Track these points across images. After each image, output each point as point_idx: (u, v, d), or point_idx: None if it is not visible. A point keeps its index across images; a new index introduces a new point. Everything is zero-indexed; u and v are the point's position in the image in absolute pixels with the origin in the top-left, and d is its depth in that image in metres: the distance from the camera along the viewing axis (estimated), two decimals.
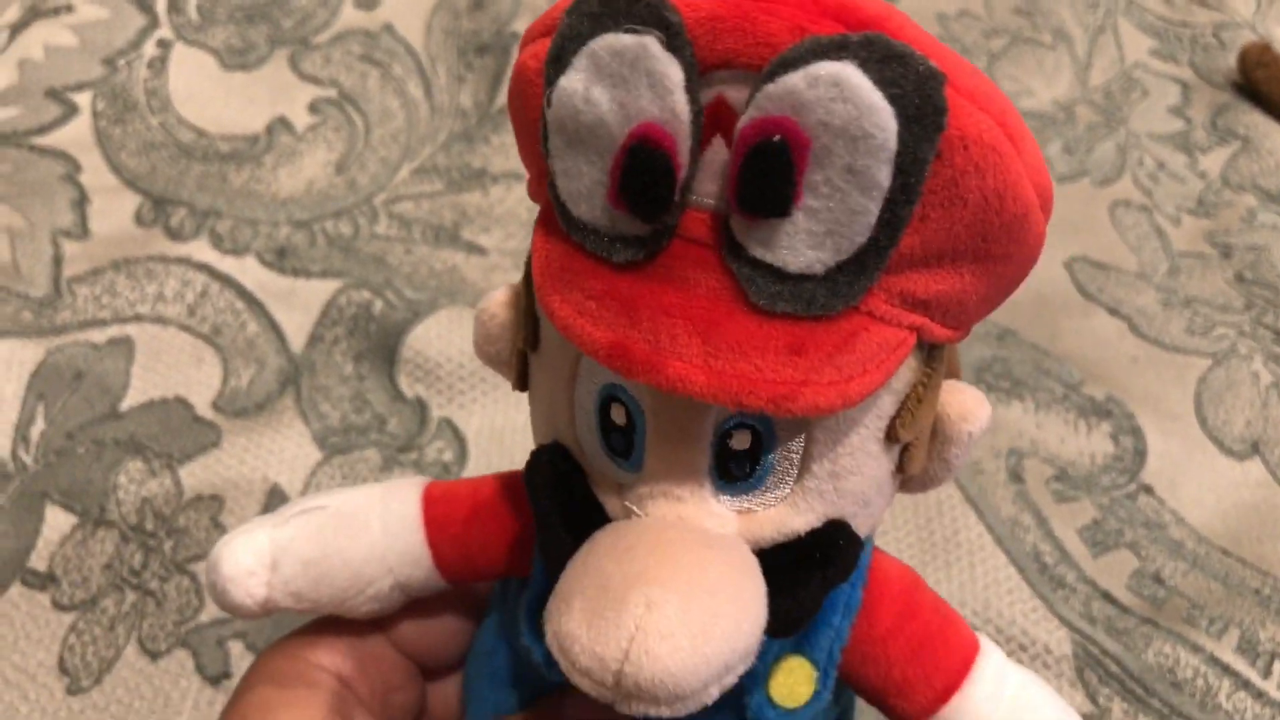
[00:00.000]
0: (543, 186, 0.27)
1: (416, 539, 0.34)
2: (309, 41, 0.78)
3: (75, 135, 0.72)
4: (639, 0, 0.24)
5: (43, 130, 0.71)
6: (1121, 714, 0.55)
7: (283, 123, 0.74)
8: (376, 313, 0.65)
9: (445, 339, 0.64)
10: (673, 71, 0.23)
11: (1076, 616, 0.57)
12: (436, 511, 0.34)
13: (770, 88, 0.23)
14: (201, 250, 0.67)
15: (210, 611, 0.54)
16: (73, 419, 0.59)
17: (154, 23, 0.77)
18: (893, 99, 0.22)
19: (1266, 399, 0.68)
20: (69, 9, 0.77)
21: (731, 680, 0.26)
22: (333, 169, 0.72)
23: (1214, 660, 0.57)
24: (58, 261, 0.66)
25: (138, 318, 0.64)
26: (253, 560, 0.33)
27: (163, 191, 0.69)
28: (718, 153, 0.24)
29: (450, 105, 0.77)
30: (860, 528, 0.29)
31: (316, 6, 0.80)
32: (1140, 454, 0.64)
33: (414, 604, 0.36)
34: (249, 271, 0.66)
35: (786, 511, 0.28)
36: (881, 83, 0.22)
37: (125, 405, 0.60)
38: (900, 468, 0.29)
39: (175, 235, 0.67)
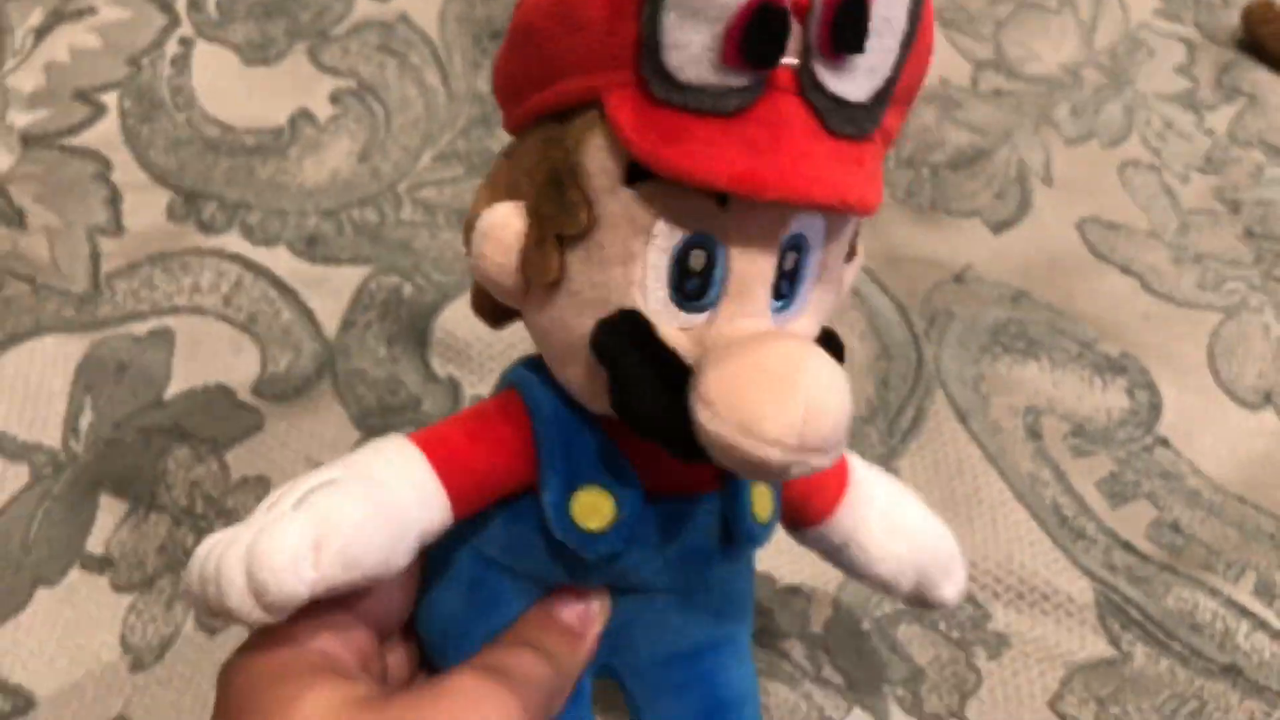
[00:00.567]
0: (579, 81, 0.32)
1: (430, 484, 0.36)
2: (327, 34, 0.80)
3: (104, 134, 0.73)
4: None
5: (73, 131, 0.73)
6: (1144, 657, 0.57)
7: (305, 114, 0.76)
8: (406, 296, 0.67)
9: (474, 319, 0.65)
10: None
11: (1097, 566, 0.59)
12: (438, 452, 0.36)
13: None
14: (234, 242, 0.69)
15: None
16: (119, 409, 0.61)
17: (175, 21, 0.79)
18: None
19: (1278, 350, 0.69)
20: (91, 11, 0.79)
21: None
22: (356, 158, 0.74)
23: (1232, 603, 0.58)
24: (95, 258, 0.68)
25: (176, 309, 0.66)
26: (297, 542, 0.32)
27: (192, 186, 0.71)
28: (792, 21, 0.30)
29: (467, 91, 0.78)
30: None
31: (332, 0, 0.82)
32: (1155, 408, 0.66)
33: None
34: (280, 261, 0.68)
35: (809, 322, 0.35)
36: None
37: (169, 394, 0.62)
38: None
39: (207, 228, 0.69)
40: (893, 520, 0.44)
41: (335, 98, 0.77)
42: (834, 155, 0.31)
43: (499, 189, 0.35)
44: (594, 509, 0.36)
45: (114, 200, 0.70)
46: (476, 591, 0.39)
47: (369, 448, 0.36)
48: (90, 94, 0.75)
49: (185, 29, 0.79)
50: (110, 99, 0.75)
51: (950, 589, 0.45)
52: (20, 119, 0.73)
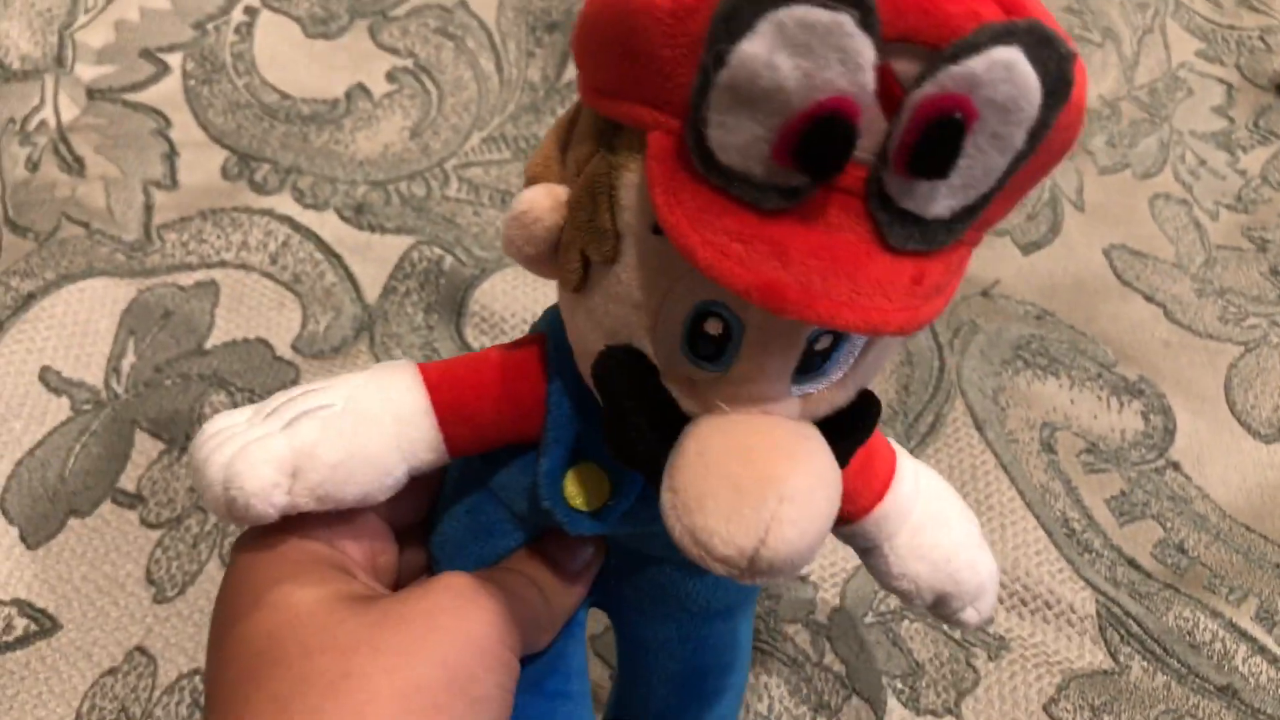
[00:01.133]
0: (634, 108, 0.29)
1: (429, 427, 0.35)
2: (387, 14, 0.82)
3: (166, 93, 0.76)
4: None
5: (136, 88, 0.76)
6: (1141, 671, 0.58)
7: (361, 89, 0.78)
8: (447, 268, 0.69)
9: (510, 295, 0.68)
10: (866, 50, 0.25)
11: (1101, 579, 0.60)
12: (443, 397, 0.36)
13: (955, 69, 0.25)
14: (284, 203, 0.71)
15: None
16: (161, 354, 0.63)
17: None
18: (1042, 78, 0.26)
19: None
20: None
21: None
22: (408, 134, 0.76)
23: (1232, 626, 0.59)
24: (149, 209, 0.70)
25: (223, 264, 0.68)
26: (273, 470, 0.33)
27: (247, 148, 0.74)
28: (873, 113, 0.26)
29: (519, 79, 0.80)
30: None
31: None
32: (1169, 432, 0.67)
33: None
34: (328, 225, 0.70)
35: (838, 392, 0.32)
36: (1035, 63, 0.25)
37: (210, 344, 0.64)
38: None
39: (259, 189, 0.71)
40: (921, 540, 0.41)
41: (391, 75, 0.79)
42: (884, 274, 0.27)
43: (556, 146, 0.34)
44: (588, 488, 0.36)
45: (171, 156, 0.73)
46: (476, 516, 0.39)
47: (378, 374, 0.36)
48: (156, 53, 0.77)
49: None
50: (175, 60, 0.77)
51: (971, 614, 0.43)
52: (87, 73, 0.75)
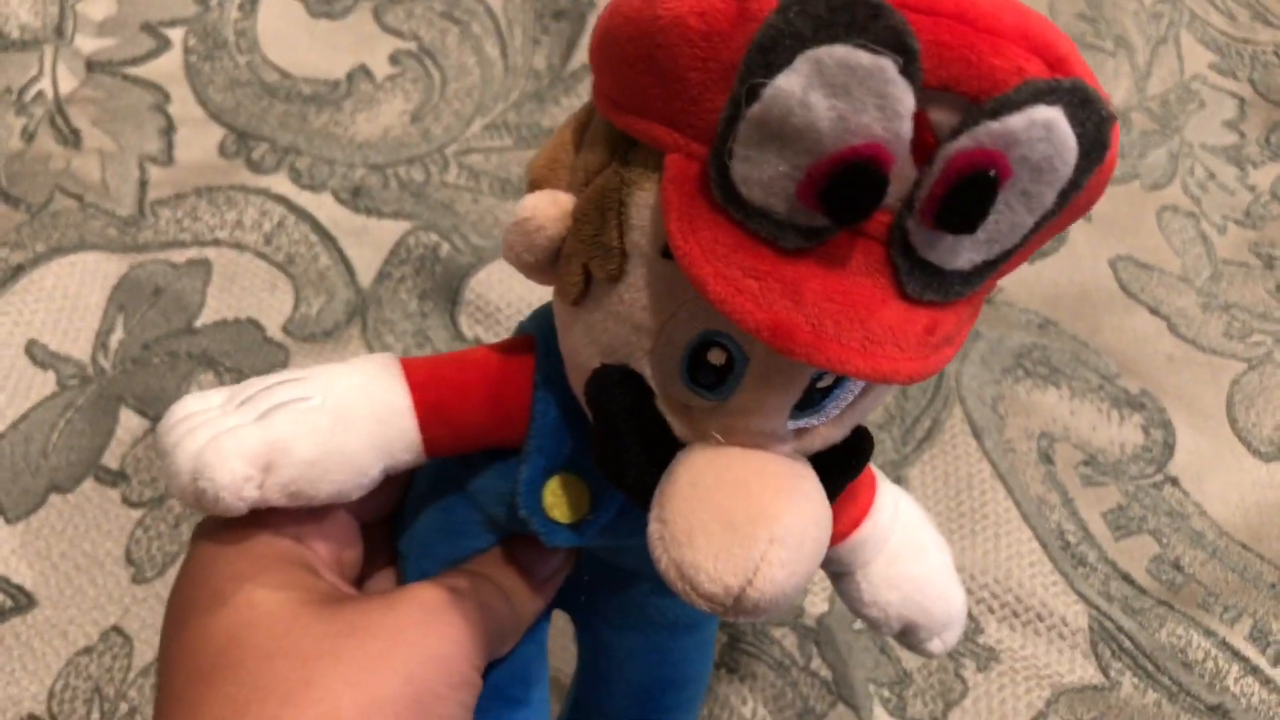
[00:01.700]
0: (653, 126, 0.28)
1: (408, 426, 0.34)
2: None
3: (167, 68, 0.75)
4: (879, 19, 0.23)
5: (136, 61, 0.75)
6: (1131, 687, 0.57)
7: (364, 70, 0.77)
8: (443, 255, 0.68)
9: (506, 285, 0.67)
10: (906, 98, 0.24)
11: (1094, 593, 0.60)
12: (425, 397, 0.35)
13: (994, 125, 0.24)
14: (281, 183, 0.70)
15: None
16: (150, 331, 0.63)
17: None
18: (1080, 139, 0.25)
19: None
20: None
21: None
22: (408, 118, 0.75)
23: (1225, 645, 0.59)
24: (143, 184, 0.69)
25: (216, 242, 0.67)
26: (245, 465, 0.32)
27: (246, 126, 0.73)
28: (906, 161, 0.25)
29: (524, 66, 0.79)
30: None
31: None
32: (1169, 447, 0.66)
33: None
34: (324, 207, 0.69)
35: (834, 428, 0.32)
36: (1075, 125, 0.25)
37: (200, 322, 0.63)
38: None
39: (256, 168, 0.70)
40: (896, 570, 0.41)
41: (395, 58, 0.78)
42: (899, 322, 0.27)
43: (566, 148, 0.33)
44: (568, 499, 0.35)
45: (168, 131, 0.72)
46: (448, 517, 0.38)
47: (360, 368, 0.35)
48: (157, 27, 0.76)
49: None
50: (176, 34, 0.76)
51: (936, 645, 0.42)
52: (87, 45, 0.75)
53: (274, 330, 0.64)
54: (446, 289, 0.67)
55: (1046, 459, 0.65)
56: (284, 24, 0.79)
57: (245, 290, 0.65)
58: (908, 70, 0.24)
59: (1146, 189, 0.80)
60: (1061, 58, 0.25)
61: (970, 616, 0.58)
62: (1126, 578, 0.61)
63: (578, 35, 0.81)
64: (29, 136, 0.69)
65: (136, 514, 0.57)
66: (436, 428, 0.35)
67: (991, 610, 0.59)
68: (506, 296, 0.66)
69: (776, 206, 0.26)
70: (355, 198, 0.70)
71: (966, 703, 0.56)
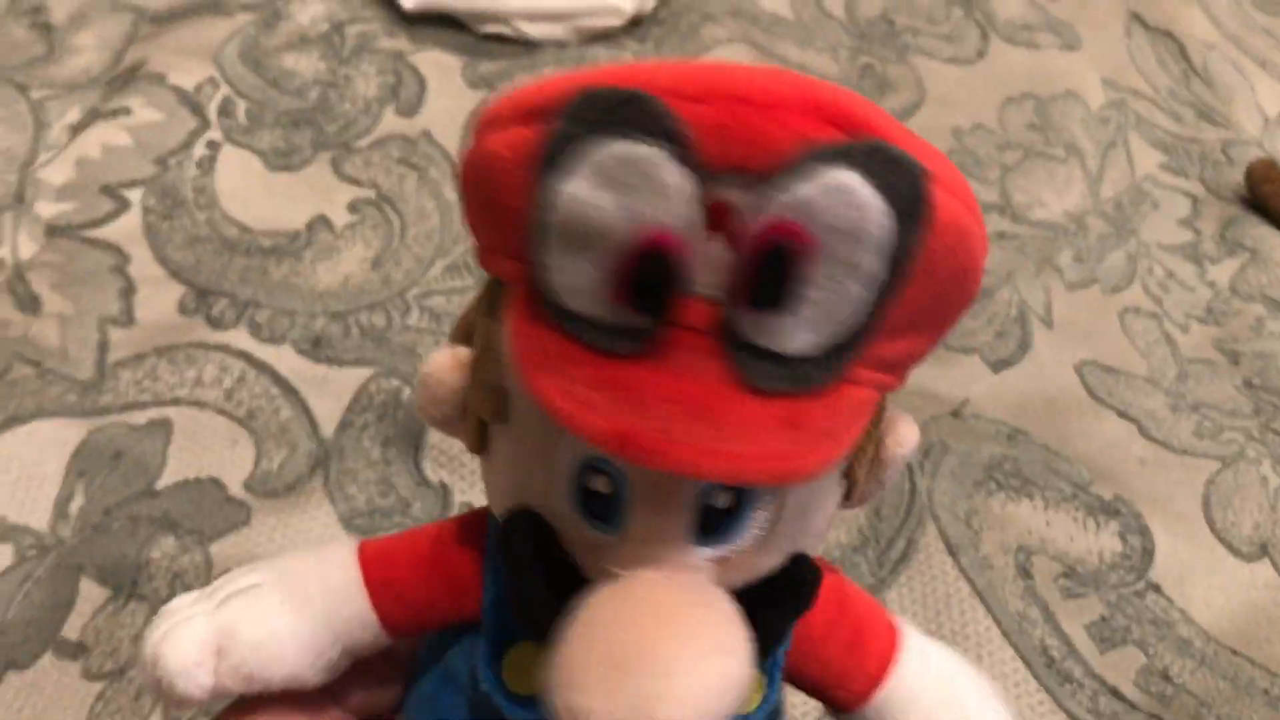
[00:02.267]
0: (503, 261, 0.29)
1: (361, 603, 0.34)
2: (351, 145, 0.82)
3: (126, 229, 0.75)
4: (644, 112, 0.24)
5: (95, 224, 0.75)
6: None
7: (323, 221, 0.77)
8: (405, 400, 0.67)
9: None
10: (685, 184, 0.25)
11: (1084, 711, 0.58)
12: (377, 573, 0.34)
13: (783, 197, 0.24)
14: (240, 338, 0.70)
15: None
16: (110, 496, 0.62)
17: (205, 125, 0.82)
18: (890, 200, 0.24)
19: (1275, 501, 0.69)
20: (126, 111, 0.81)
21: None
22: (369, 264, 0.75)
23: None
24: (103, 347, 0.69)
25: (176, 401, 0.66)
26: (196, 650, 0.32)
27: (206, 283, 0.73)
28: (716, 248, 0.26)
29: None
30: (813, 554, 0.32)
31: (359, 113, 0.85)
32: (1148, 553, 0.65)
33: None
34: (285, 359, 0.69)
35: (759, 556, 0.30)
36: (881, 186, 0.24)
37: (161, 484, 0.63)
38: (846, 495, 0.32)
39: (216, 324, 0.70)
40: None
41: (354, 206, 0.79)
42: (751, 417, 0.26)
43: (475, 307, 0.33)
44: (529, 670, 0.33)
45: (128, 292, 0.72)
46: (434, 704, 0.37)
47: (315, 551, 0.35)
48: (116, 189, 0.77)
49: (214, 133, 0.82)
50: (135, 195, 0.77)
51: None
52: (47, 210, 0.75)
53: (235, 488, 0.63)
54: (409, 434, 0.66)
55: (1025, 573, 0.64)
56: (242, 179, 0.80)
57: (206, 448, 0.65)
58: (680, 156, 0.24)
59: (1107, 292, 0.81)
60: (862, 122, 0.25)
61: None
62: (1115, 692, 0.59)
63: None
64: None
65: (97, 687, 0.55)
66: (390, 604, 0.34)
67: None
68: None
69: (599, 313, 0.26)
70: (316, 348, 0.70)
71: None
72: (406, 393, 0.68)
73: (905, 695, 0.35)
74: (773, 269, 0.25)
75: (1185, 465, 0.70)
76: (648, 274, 0.25)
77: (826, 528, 0.32)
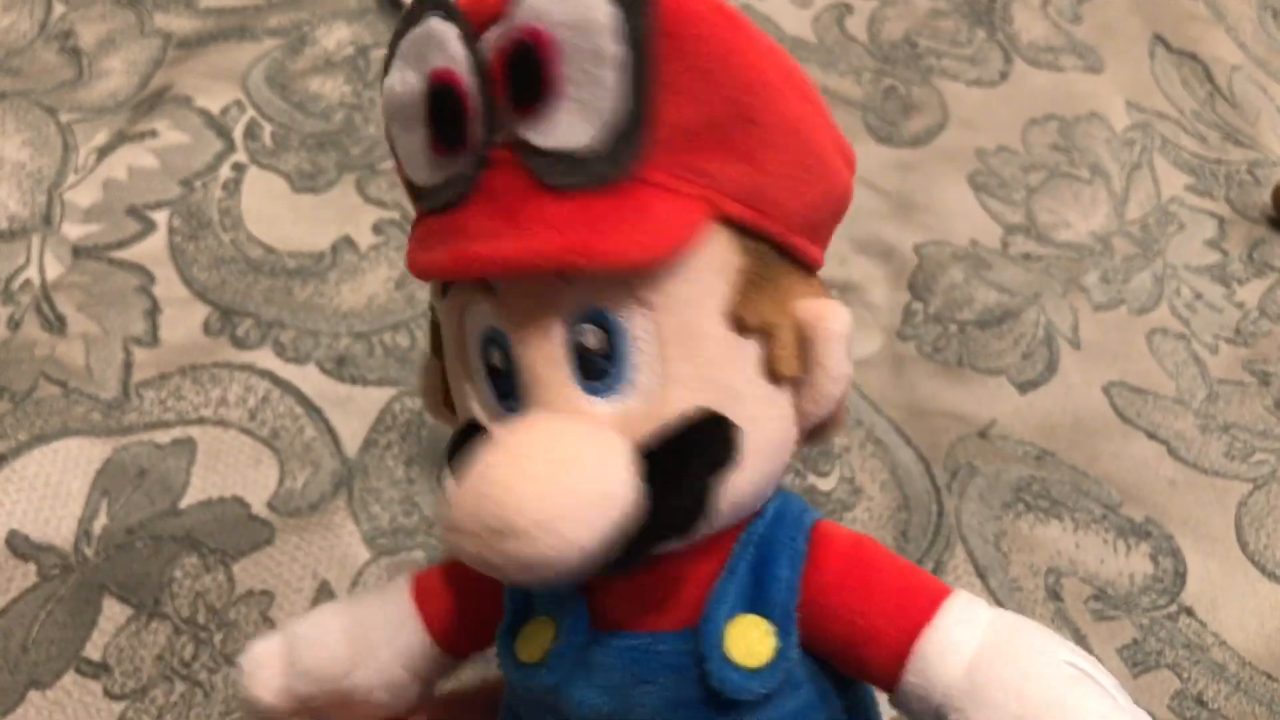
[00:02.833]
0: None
1: (408, 612, 0.39)
2: (375, 167, 0.82)
3: (151, 250, 0.76)
4: (425, 4, 0.31)
5: (122, 245, 0.76)
6: None
7: (348, 241, 0.78)
8: (428, 419, 0.67)
9: None
10: (450, 33, 0.30)
11: None
12: (423, 588, 0.40)
13: (519, 13, 0.29)
14: (265, 358, 0.70)
15: None
16: (134, 515, 0.62)
17: (230, 147, 0.82)
18: None
19: None
20: (153, 134, 0.82)
21: (601, 546, 0.28)
22: (393, 285, 0.75)
23: None
24: (128, 367, 0.69)
25: (201, 420, 0.66)
26: (266, 654, 0.39)
27: (230, 303, 0.73)
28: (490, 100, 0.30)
29: None
30: (740, 422, 0.31)
31: (383, 136, 0.85)
32: (1180, 575, 0.64)
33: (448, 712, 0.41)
34: (309, 379, 0.69)
35: (657, 405, 0.31)
36: None
37: (184, 503, 0.63)
38: (772, 370, 0.33)
39: (241, 344, 0.71)
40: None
41: (378, 227, 0.79)
42: (550, 211, 0.29)
43: None
44: (535, 640, 0.35)
45: (153, 312, 0.72)
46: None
47: (371, 586, 0.45)
48: (142, 211, 0.78)
49: (240, 155, 0.82)
50: (161, 216, 0.78)
51: None
52: (74, 231, 0.76)
53: (259, 507, 0.63)
54: (433, 453, 0.66)
55: (1055, 595, 0.63)
56: (268, 200, 0.80)
57: (230, 468, 0.65)
58: (449, 15, 0.30)
59: (1134, 313, 0.80)
60: None
61: None
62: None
63: None
64: (15, 325, 0.70)
65: (118, 707, 0.55)
66: (434, 613, 0.39)
67: None
68: None
69: (435, 177, 0.31)
70: (340, 367, 0.70)
71: None
72: None
73: (948, 648, 0.31)
74: (523, 66, 0.29)
75: (1216, 487, 0.69)
76: (443, 108, 0.30)
77: (748, 393, 0.32)
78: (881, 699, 0.35)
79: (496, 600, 0.37)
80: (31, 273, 0.73)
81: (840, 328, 0.33)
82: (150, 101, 0.84)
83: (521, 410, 0.31)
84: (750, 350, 0.32)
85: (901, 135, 0.90)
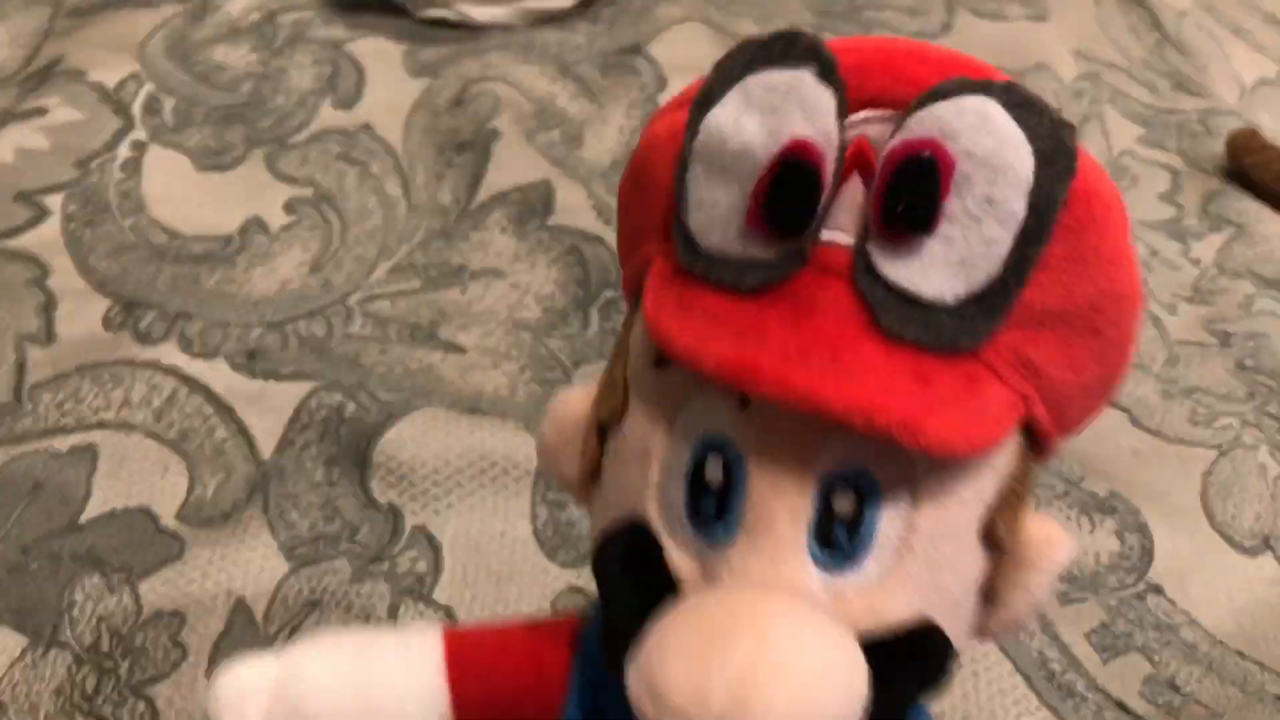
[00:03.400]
0: (646, 244, 0.29)
1: (434, 680, 0.34)
2: (286, 141, 0.77)
3: (45, 238, 0.70)
4: (792, 45, 0.26)
5: (11, 234, 0.70)
6: None
7: (258, 223, 0.73)
8: (349, 415, 0.63)
9: (420, 442, 0.62)
10: (825, 99, 0.25)
11: None
12: (460, 654, 0.34)
13: (921, 113, 0.25)
14: (170, 353, 0.65)
15: None
16: (29, 532, 0.57)
17: (129, 125, 0.77)
18: (1030, 138, 0.24)
19: (1275, 491, 0.65)
20: (43, 112, 0.76)
21: None
22: (307, 268, 0.70)
23: None
24: (20, 368, 0.64)
25: (102, 424, 0.62)
26: (254, 683, 0.33)
27: (133, 294, 0.68)
28: (854, 189, 0.26)
29: (429, 203, 0.75)
30: (948, 630, 0.28)
31: (294, 107, 0.80)
32: (1147, 552, 0.62)
33: None
34: (219, 375, 0.64)
35: (881, 596, 0.27)
36: (1020, 120, 0.24)
37: (85, 517, 0.58)
38: (988, 586, 0.29)
39: (144, 338, 0.66)
40: None
41: (290, 206, 0.74)
42: (877, 359, 0.24)
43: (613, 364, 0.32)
44: None
45: (48, 307, 0.67)
46: None
47: (402, 627, 0.37)
48: (34, 196, 0.72)
49: (139, 133, 0.77)
50: (54, 202, 0.72)
51: None
52: None
53: (167, 518, 0.58)
54: (354, 452, 0.61)
55: None
56: (171, 181, 0.75)
57: (135, 476, 0.60)
58: (824, 75, 0.25)
59: None
60: (995, 74, 0.26)
61: None
62: (1121, 705, 0.55)
63: (482, 168, 0.77)
64: None
65: None
66: (467, 683, 0.34)
67: None
68: (420, 455, 0.61)
69: (731, 247, 0.26)
70: (251, 361, 0.65)
71: None
72: (351, 408, 0.63)
73: None
74: (908, 182, 0.24)
75: (1181, 455, 0.67)
76: (788, 185, 0.25)
77: (965, 604, 0.28)
78: None
79: (544, 696, 0.34)
80: None
81: (1065, 562, 0.30)
82: (39, 76, 0.78)
83: (725, 541, 0.26)
84: (984, 563, 0.28)
85: None
